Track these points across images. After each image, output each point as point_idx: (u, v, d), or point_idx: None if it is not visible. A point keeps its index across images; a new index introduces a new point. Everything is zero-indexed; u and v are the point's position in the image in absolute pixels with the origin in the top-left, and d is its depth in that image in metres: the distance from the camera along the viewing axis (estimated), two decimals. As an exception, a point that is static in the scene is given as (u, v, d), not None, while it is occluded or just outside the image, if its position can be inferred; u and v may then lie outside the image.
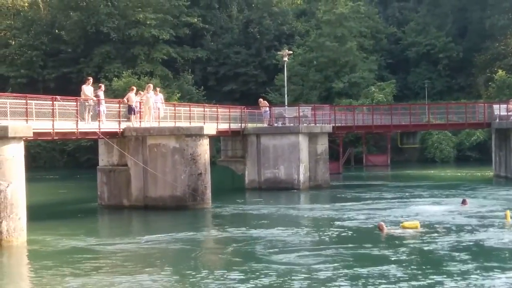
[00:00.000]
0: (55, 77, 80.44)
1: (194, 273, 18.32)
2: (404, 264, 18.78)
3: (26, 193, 24.70)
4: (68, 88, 61.96)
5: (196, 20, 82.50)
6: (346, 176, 56.39)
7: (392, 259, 19.60)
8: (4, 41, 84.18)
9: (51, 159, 76.70)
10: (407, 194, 38.46)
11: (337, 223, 27.08)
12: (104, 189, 34.80)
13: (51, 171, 68.68)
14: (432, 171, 58.83)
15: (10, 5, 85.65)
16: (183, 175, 32.67)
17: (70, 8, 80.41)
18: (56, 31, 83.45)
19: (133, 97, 33.73)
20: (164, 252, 21.88)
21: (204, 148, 33.47)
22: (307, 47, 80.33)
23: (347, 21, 78.10)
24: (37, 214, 29.53)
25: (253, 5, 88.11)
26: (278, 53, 65.05)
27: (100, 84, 35.95)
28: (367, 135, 69.50)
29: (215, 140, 50.85)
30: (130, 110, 33.62)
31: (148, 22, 77.68)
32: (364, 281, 16.89)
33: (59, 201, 41.05)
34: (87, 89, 31.70)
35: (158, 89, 37.35)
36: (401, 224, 25.28)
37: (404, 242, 22.44)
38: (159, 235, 24.79)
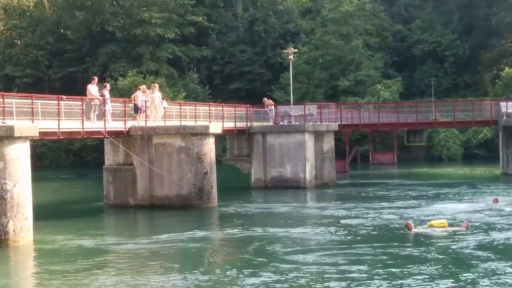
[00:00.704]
0: (60, 77, 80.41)
1: (205, 272, 18.25)
2: (434, 263, 18.59)
3: (32, 193, 24.66)
4: (74, 87, 61.87)
5: (201, 18, 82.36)
6: (352, 174, 56.25)
7: (422, 258, 19.42)
8: (9, 40, 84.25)
9: (57, 159, 76.69)
10: (421, 193, 38.19)
11: (352, 222, 26.92)
12: (110, 189, 34.76)
13: (57, 170, 68.69)
14: (440, 169, 58.65)
15: (16, 5, 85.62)
16: (189, 174, 32.61)
17: (76, 8, 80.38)
18: (62, 30, 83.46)
19: (140, 96, 33.66)
20: (171, 252, 21.80)
21: (209, 147, 33.40)
22: (313, 45, 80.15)
23: (353, 19, 77.93)
24: (43, 214, 29.51)
25: (258, 4, 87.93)
26: (284, 51, 64.92)
27: (105, 84, 35.91)
28: (373, 133, 69.32)
29: (220, 139, 50.75)
30: (137, 109, 33.56)
31: (153, 21, 77.59)
32: (396, 281, 16.69)
33: (65, 200, 41.06)
34: (93, 88, 31.65)
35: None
36: (429, 223, 24.80)
37: (433, 241, 22.18)
38: (166, 235, 24.73)
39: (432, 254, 19.99)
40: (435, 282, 16.51)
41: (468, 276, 17.08)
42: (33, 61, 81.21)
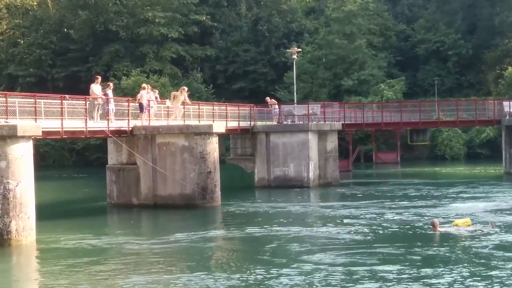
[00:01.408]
0: (64, 76, 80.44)
1: (209, 272, 18.16)
2: (462, 263, 18.52)
3: (35, 192, 24.66)
4: (77, 87, 61.92)
5: (204, 18, 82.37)
6: (356, 173, 56.21)
7: (449, 257, 19.33)
8: (13, 40, 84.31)
9: (60, 158, 76.74)
10: (428, 192, 38.17)
11: (360, 221, 26.88)
12: (113, 188, 34.74)
13: (60, 170, 68.73)
14: (443, 169, 58.58)
15: (19, 4, 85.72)
16: (192, 173, 32.59)
17: (79, 7, 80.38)
18: (65, 30, 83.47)
19: (144, 95, 33.67)
20: (175, 251, 21.76)
21: (213, 146, 33.39)
22: (316, 44, 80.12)
23: (356, 19, 77.86)
24: (46, 213, 29.49)
25: (262, 3, 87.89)
26: (287, 50, 64.99)
27: (108, 83, 35.87)
28: (376, 133, 69.25)
29: (224, 138, 50.78)
30: (142, 108, 33.58)
31: (157, 21, 77.60)
32: (427, 280, 16.58)
33: (68, 200, 41.08)
34: (96, 88, 31.62)
35: (149, 86, 36.94)
36: (453, 222, 24.57)
37: (459, 239, 22.10)
38: (170, 234, 24.68)
39: (460, 253, 19.92)
40: (465, 282, 16.40)
41: (497, 275, 16.99)
42: (36, 60, 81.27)
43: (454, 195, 35.84)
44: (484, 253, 19.93)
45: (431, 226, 24.09)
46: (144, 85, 35.71)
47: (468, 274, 17.21)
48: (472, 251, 20.20)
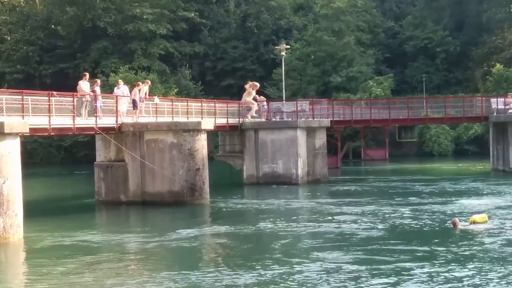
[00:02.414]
0: (51, 73, 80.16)
1: (196, 270, 18.11)
2: (484, 260, 18.47)
3: (23, 190, 24.54)
4: (65, 83, 61.57)
5: (193, 14, 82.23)
6: (344, 170, 56.29)
7: (467, 255, 19.24)
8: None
9: (48, 155, 76.49)
10: (416, 187, 38.38)
11: (349, 218, 26.87)
12: (102, 185, 34.60)
13: (48, 167, 68.46)
14: (431, 165, 58.75)
15: (6, 0, 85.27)
16: (181, 170, 32.53)
17: (66, 3, 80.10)
18: (53, 26, 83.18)
19: (137, 93, 33.80)
20: (163, 249, 21.66)
21: (201, 143, 33.33)
22: (305, 41, 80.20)
23: (345, 15, 78.04)
24: (34, 211, 29.35)
25: (250, 0, 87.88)
26: (276, 47, 64.96)
27: (96, 80, 35.82)
28: (365, 129, 69.43)
29: (213, 135, 50.66)
30: (135, 104, 33.60)
31: (145, 17, 77.39)
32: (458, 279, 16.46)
33: (56, 197, 40.90)
34: (84, 84, 31.53)
35: (120, 81, 36.73)
36: (470, 218, 24.28)
37: (480, 237, 22.00)
38: (158, 231, 24.62)
39: (481, 250, 19.82)
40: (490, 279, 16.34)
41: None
42: (23, 57, 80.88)
43: (445, 191, 35.97)
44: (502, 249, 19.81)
45: (452, 225, 23.62)
46: (139, 82, 35.78)
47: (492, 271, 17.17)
48: (491, 248, 20.09)
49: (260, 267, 18.03)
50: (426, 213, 27.39)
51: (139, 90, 34.37)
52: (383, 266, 17.76)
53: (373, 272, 17.17)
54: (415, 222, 25.34)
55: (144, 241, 22.88)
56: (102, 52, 78.71)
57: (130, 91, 34.23)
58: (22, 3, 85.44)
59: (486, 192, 35.04)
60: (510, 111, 47.40)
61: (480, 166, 54.39)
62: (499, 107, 48.87)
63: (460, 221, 24.03)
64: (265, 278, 16.92)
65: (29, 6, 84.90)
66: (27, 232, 24.25)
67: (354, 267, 17.81)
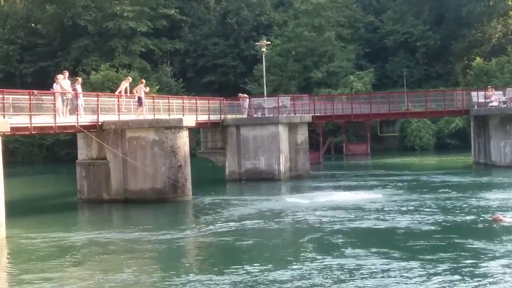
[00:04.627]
0: (32, 71, 79.80)
1: (179, 269, 18.18)
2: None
3: (5, 189, 24.45)
4: (46, 82, 61.09)
5: (173, 11, 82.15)
6: (326, 165, 56.52)
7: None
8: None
9: (30, 154, 76.16)
10: (397, 181, 38.51)
11: (334, 212, 27.03)
12: (84, 183, 34.53)
13: (30, 166, 68.15)
14: (413, 159, 59.12)
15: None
16: (163, 167, 32.52)
17: (46, 1, 79.75)
18: (33, 24, 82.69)
19: (142, 89, 34.36)
20: (145, 247, 21.61)
21: (183, 140, 33.34)
22: (285, 37, 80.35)
23: (325, 11, 78.26)
24: (16, 210, 29.23)
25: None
26: (257, 43, 65.00)
27: (77, 78, 35.69)
28: (346, 124, 69.71)
29: (194, 132, 50.65)
30: (140, 102, 33.71)
31: (125, 15, 77.21)
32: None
33: (39, 196, 40.78)
34: (65, 82, 31.40)
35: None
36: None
37: None
38: (141, 229, 24.63)
39: None
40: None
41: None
42: (3, 56, 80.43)
43: (430, 184, 36.26)
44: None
45: (494, 220, 22.82)
46: (143, 80, 36.45)
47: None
48: None
49: (243, 264, 18.05)
50: (408, 207, 27.58)
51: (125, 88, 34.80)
52: (366, 262, 17.92)
53: (352, 267, 17.31)
54: (397, 216, 25.51)
55: (126, 239, 22.88)
56: (82, 50, 78.47)
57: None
58: (1, 2, 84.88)
59: (467, 185, 35.32)
60: (490, 104, 47.71)
61: (461, 159, 54.79)
62: (479, 100, 49.16)
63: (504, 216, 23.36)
64: (247, 275, 16.92)
65: (9, 4, 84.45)
66: (9, 231, 24.18)
67: (340, 261, 17.91)
